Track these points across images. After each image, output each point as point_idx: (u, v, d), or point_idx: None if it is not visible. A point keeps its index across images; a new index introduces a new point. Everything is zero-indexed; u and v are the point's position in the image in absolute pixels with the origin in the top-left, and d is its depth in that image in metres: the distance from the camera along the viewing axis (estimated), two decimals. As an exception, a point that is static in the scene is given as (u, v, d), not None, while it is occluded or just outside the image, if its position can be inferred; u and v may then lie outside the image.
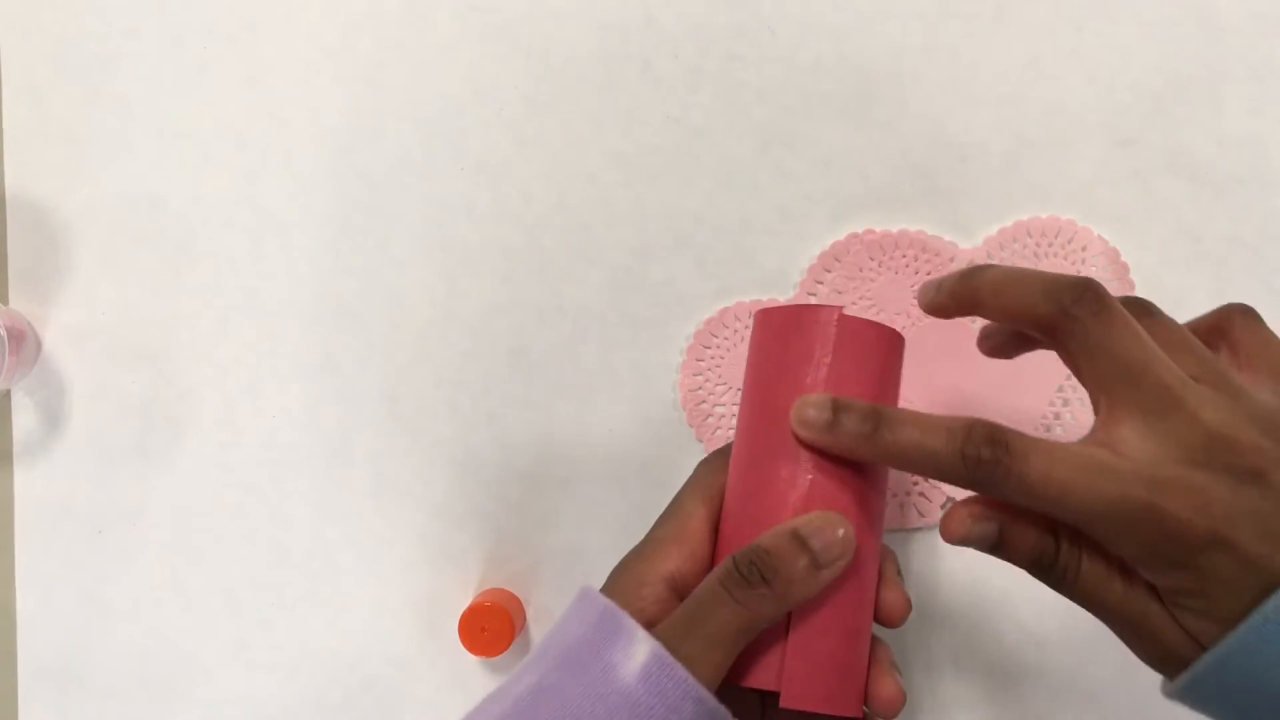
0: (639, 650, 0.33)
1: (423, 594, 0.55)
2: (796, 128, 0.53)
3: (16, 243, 0.56)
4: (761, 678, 0.34)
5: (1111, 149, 0.52)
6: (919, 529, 0.52)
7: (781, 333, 0.37)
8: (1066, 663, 0.52)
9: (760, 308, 0.40)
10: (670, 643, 0.34)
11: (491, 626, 0.52)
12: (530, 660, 0.36)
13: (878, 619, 0.38)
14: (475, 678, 0.55)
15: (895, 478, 0.52)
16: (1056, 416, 0.51)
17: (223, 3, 0.55)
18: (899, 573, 0.39)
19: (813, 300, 0.52)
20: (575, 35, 0.53)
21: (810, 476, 0.35)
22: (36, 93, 0.56)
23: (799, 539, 0.34)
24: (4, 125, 0.56)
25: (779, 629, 0.35)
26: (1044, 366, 0.51)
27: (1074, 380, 0.50)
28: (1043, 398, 0.51)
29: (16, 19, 0.55)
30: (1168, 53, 0.51)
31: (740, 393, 0.40)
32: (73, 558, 0.56)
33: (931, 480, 0.52)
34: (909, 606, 0.38)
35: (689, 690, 0.33)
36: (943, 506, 0.52)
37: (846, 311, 0.37)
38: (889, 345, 0.38)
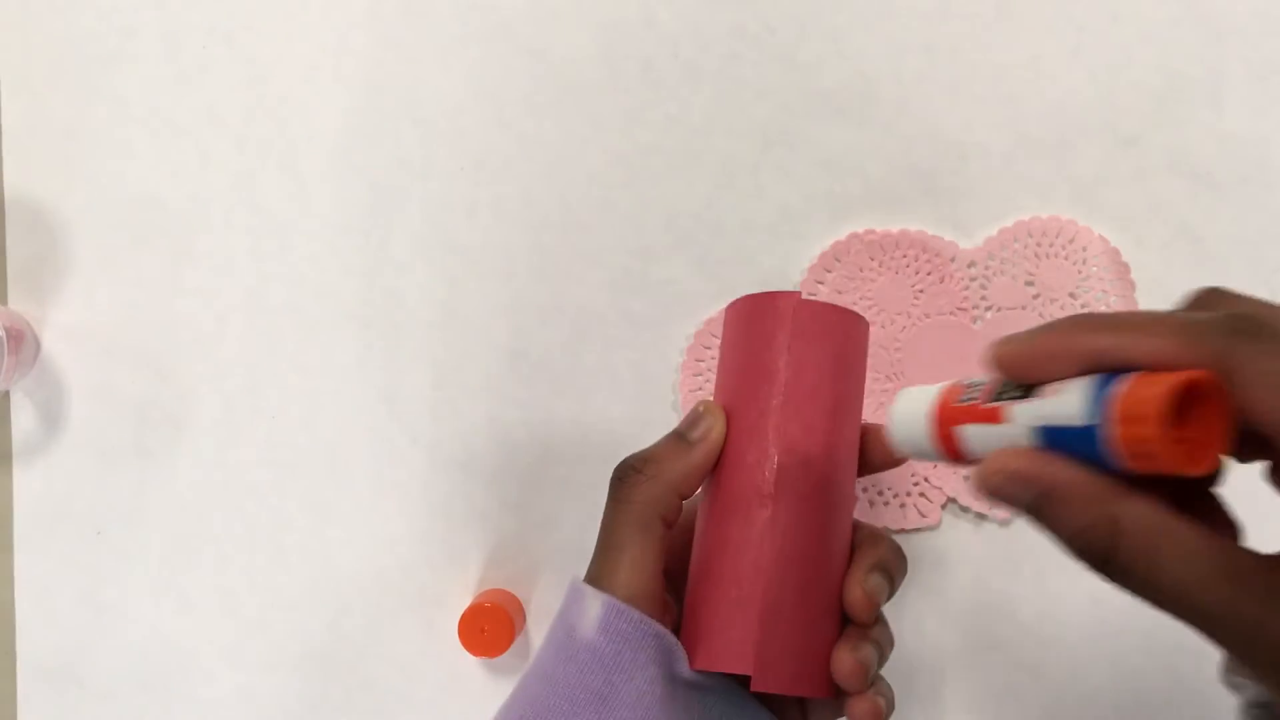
0: (591, 606, 0.35)
1: (423, 594, 0.55)
2: (796, 128, 0.53)
3: (16, 243, 0.56)
4: (731, 663, 0.35)
5: (1112, 149, 0.51)
6: (919, 529, 0.52)
7: (747, 321, 0.39)
8: (1066, 663, 0.52)
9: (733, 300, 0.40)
10: (594, 574, 0.36)
11: (491, 627, 0.52)
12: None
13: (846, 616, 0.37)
14: (475, 678, 0.55)
15: (895, 480, 0.52)
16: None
17: (223, 3, 0.55)
18: (873, 568, 0.37)
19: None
20: (575, 35, 0.53)
21: (777, 458, 0.36)
22: (35, 92, 0.56)
23: (670, 431, 0.38)
24: (3, 125, 0.56)
25: (749, 618, 0.35)
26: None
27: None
28: (1043, 398, 0.50)
29: (16, 18, 0.55)
30: (1168, 52, 0.51)
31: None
32: (72, 558, 0.56)
33: (932, 480, 0.52)
34: (870, 605, 0.36)
35: (647, 628, 0.34)
36: (943, 507, 0.52)
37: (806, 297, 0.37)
38: (849, 328, 0.38)
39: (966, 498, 0.51)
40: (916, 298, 0.52)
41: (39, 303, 0.56)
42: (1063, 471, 0.25)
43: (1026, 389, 0.26)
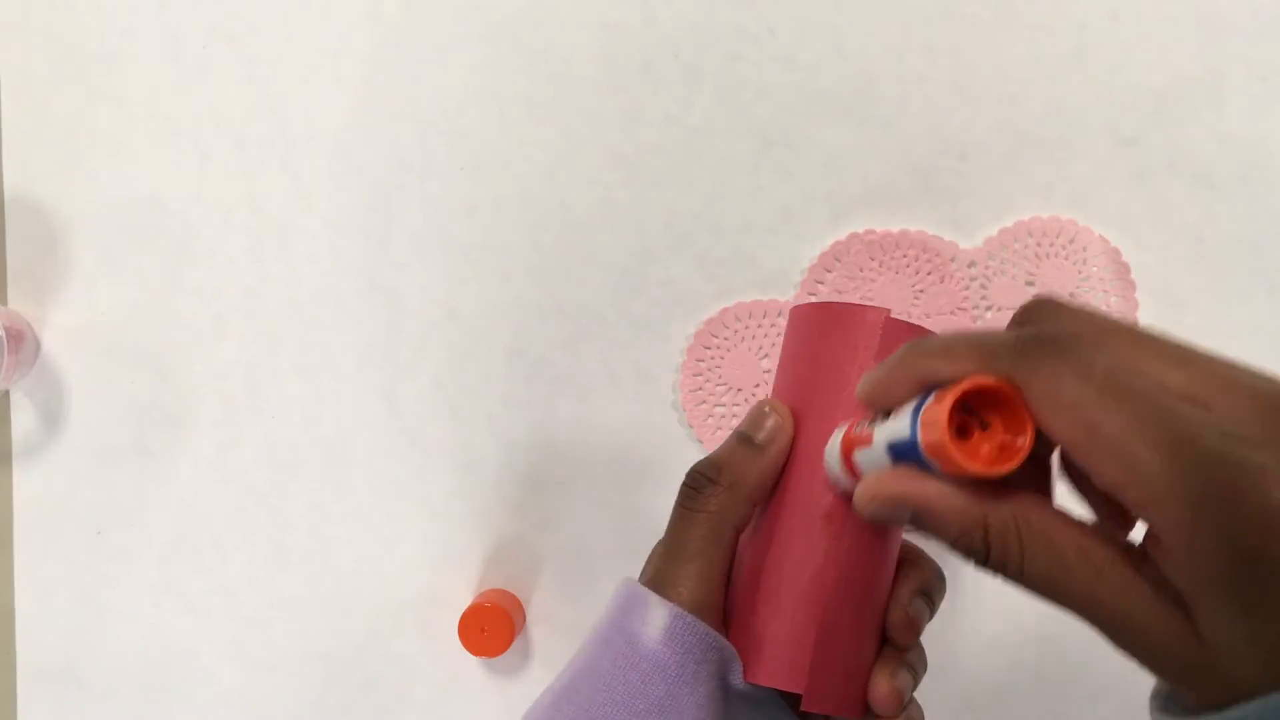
0: (656, 615, 0.34)
1: (423, 594, 0.55)
2: (796, 128, 0.53)
3: (16, 243, 0.56)
4: (786, 680, 0.35)
5: (1112, 149, 0.51)
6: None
7: (823, 329, 0.37)
8: (1067, 663, 0.52)
9: (797, 303, 0.39)
10: (659, 581, 0.35)
11: (491, 627, 0.52)
12: (578, 649, 0.38)
13: (885, 636, 0.38)
14: (475, 678, 0.55)
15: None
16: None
17: (223, 3, 0.55)
18: (917, 592, 0.37)
19: (812, 300, 0.52)
20: (575, 35, 0.53)
21: (851, 481, 0.35)
22: (36, 93, 0.55)
23: (734, 433, 0.36)
24: (3, 125, 0.56)
25: (807, 638, 0.35)
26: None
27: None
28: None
29: (16, 18, 0.55)
30: (1168, 52, 0.51)
31: (772, 388, 0.39)
32: (72, 558, 0.56)
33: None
34: (912, 630, 0.37)
35: (711, 640, 0.34)
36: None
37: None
38: None
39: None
40: (916, 298, 0.52)
41: (39, 303, 0.56)
42: (928, 488, 0.28)
43: (888, 413, 0.30)
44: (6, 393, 0.56)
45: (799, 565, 0.35)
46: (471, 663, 0.55)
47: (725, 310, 0.53)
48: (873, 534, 0.36)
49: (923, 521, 0.28)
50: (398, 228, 0.54)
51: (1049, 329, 0.26)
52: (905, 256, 0.52)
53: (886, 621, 0.37)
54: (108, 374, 0.56)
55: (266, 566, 0.56)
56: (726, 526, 0.35)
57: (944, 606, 0.53)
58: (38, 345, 0.56)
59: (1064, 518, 0.27)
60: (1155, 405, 0.23)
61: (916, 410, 0.28)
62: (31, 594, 0.57)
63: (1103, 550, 0.26)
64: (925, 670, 0.38)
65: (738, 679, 0.35)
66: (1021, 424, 0.26)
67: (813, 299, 0.52)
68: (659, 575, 0.36)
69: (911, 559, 0.38)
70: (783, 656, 0.35)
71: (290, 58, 0.55)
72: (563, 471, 0.54)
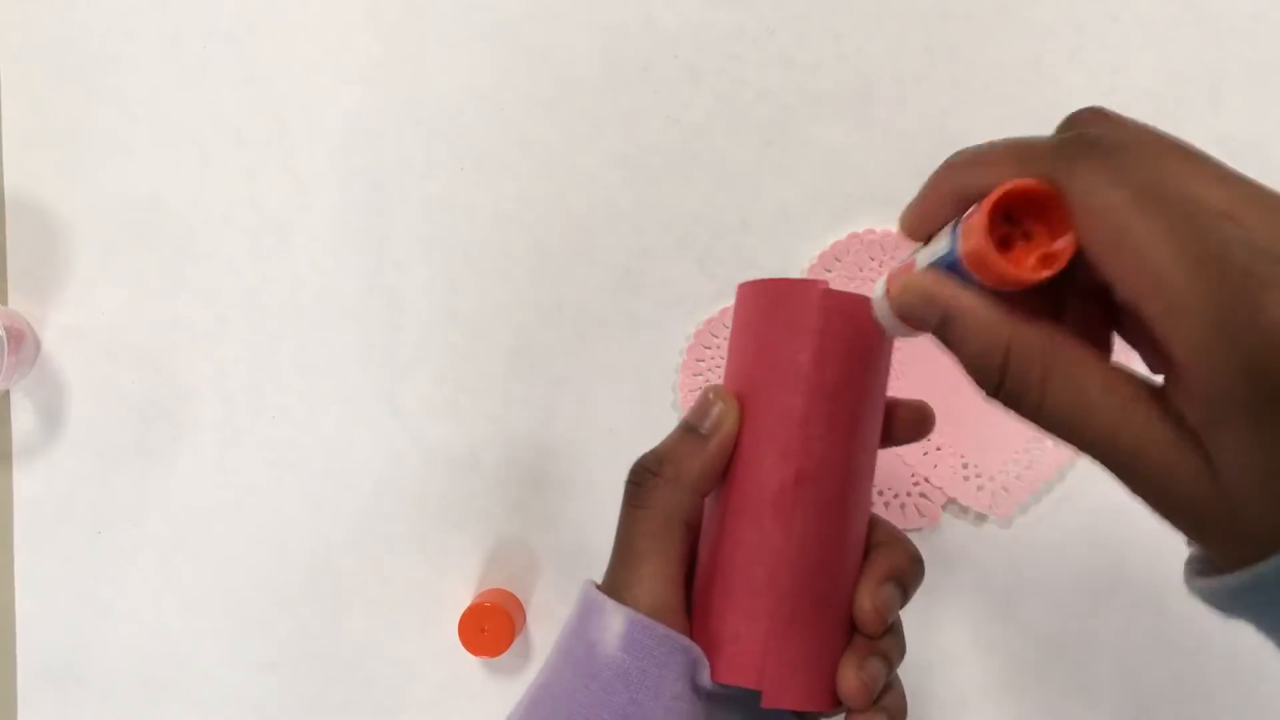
0: (613, 621, 0.33)
1: (423, 594, 0.55)
2: (796, 128, 0.53)
3: (16, 243, 0.56)
4: (743, 676, 0.33)
5: (1112, 149, 0.51)
6: (919, 529, 0.52)
7: (763, 308, 0.35)
8: (1067, 663, 0.52)
9: (742, 281, 0.38)
10: (614, 585, 0.34)
11: (491, 626, 0.52)
12: (546, 659, 0.37)
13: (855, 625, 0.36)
14: (475, 678, 0.55)
15: (895, 480, 0.52)
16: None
17: (223, 3, 0.55)
18: (886, 578, 0.35)
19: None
20: (575, 35, 0.53)
21: (796, 464, 0.33)
22: (36, 93, 0.56)
23: (680, 423, 0.35)
24: (3, 125, 0.56)
25: (759, 631, 0.33)
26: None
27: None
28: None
29: (16, 19, 0.55)
30: (1168, 53, 0.51)
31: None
32: (72, 558, 0.56)
33: (932, 480, 0.52)
34: (879, 619, 0.35)
35: (674, 642, 0.33)
36: (943, 507, 0.52)
37: (832, 287, 0.35)
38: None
39: (967, 498, 0.52)
40: (916, 298, 0.52)
41: (39, 303, 0.56)
42: (963, 296, 0.26)
43: (930, 239, 0.29)
44: (6, 393, 0.56)
45: (750, 556, 0.34)
46: (471, 663, 0.55)
47: (725, 310, 0.53)
48: (830, 519, 0.34)
49: (947, 329, 0.27)
50: (398, 228, 0.55)
51: (1092, 133, 0.25)
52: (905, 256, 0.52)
53: (854, 610, 0.35)
54: (108, 374, 0.56)
55: (266, 566, 0.56)
56: (674, 521, 0.34)
57: (943, 606, 0.53)
58: (38, 345, 0.56)
59: (1091, 352, 0.25)
60: (1188, 215, 0.23)
61: (956, 225, 0.27)
62: (31, 594, 0.57)
63: (1127, 386, 0.24)
64: (903, 657, 0.36)
65: (706, 679, 0.33)
66: (1064, 228, 0.25)
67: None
68: (613, 580, 0.34)
69: (884, 542, 0.36)
70: (739, 652, 0.33)
71: (290, 58, 0.55)
72: (563, 471, 0.54)
